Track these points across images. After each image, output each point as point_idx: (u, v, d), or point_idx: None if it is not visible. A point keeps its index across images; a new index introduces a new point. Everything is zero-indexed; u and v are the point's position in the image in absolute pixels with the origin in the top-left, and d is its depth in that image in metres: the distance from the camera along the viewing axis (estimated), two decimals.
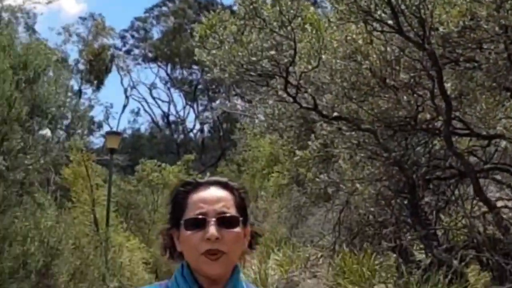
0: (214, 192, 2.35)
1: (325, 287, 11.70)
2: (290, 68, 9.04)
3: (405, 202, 9.79)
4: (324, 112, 9.38)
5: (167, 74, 54.42)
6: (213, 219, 2.26)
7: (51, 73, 10.62)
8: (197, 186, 2.39)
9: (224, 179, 2.43)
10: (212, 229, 2.24)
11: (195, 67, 48.49)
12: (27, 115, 9.81)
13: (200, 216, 2.27)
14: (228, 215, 2.28)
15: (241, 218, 2.32)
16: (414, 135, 9.48)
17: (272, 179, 20.36)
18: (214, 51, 9.17)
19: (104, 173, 26.45)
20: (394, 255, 10.79)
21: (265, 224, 21.29)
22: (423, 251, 10.75)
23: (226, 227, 2.27)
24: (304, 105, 9.45)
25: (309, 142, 10.62)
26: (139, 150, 44.65)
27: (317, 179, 10.33)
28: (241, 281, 2.38)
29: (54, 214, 13.57)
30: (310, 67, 9.09)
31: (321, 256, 12.96)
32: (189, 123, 54.73)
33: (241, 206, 2.36)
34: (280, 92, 9.50)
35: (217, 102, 50.25)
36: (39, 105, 10.22)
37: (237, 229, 2.30)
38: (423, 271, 9.04)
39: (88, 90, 46.99)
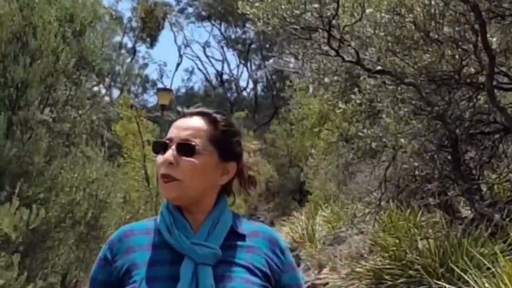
0: (189, 121, 2.37)
1: (371, 243, 11.75)
2: (333, 22, 8.97)
3: (448, 157, 9.75)
4: (368, 66, 9.33)
5: (221, 33, 54.52)
6: (174, 144, 2.31)
7: (98, 27, 10.71)
8: (183, 115, 2.42)
9: (209, 110, 2.43)
10: (169, 153, 2.29)
11: (248, 26, 48.40)
12: (73, 67, 9.94)
13: (164, 140, 2.34)
14: (187, 142, 2.31)
15: (214, 150, 2.33)
16: (458, 90, 9.38)
17: (322, 137, 20.36)
18: (257, 4, 9.14)
19: (156, 130, 26.73)
20: (440, 211, 10.78)
21: (315, 181, 21.40)
22: (468, 208, 10.71)
23: (183, 155, 2.29)
24: (347, 58, 9.40)
25: (353, 96, 10.61)
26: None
27: (360, 133, 10.31)
28: (228, 211, 2.39)
29: (103, 168, 13.79)
30: (353, 20, 9.02)
31: (368, 212, 12.99)
32: (243, 82, 54.94)
33: (219, 139, 2.35)
34: (323, 46, 9.46)
35: (270, 61, 50.15)
36: (85, 58, 10.34)
37: (196, 159, 2.29)
38: (465, 225, 9.04)
39: (141, 48, 47.31)
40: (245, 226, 2.40)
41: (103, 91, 17.20)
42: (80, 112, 10.71)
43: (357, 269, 9.40)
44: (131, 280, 2.25)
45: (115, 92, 32.71)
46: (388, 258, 8.81)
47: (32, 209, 8.29)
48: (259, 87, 54.20)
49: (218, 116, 2.41)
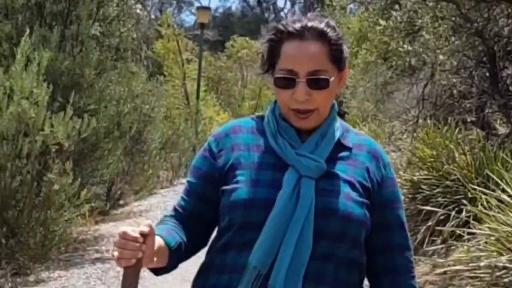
0: (307, 47, 2.23)
1: (409, 157, 11.94)
2: None
3: (486, 73, 9.89)
4: None
5: None
6: (303, 80, 2.20)
7: None
8: (289, 34, 2.26)
9: (321, 26, 2.27)
10: (301, 91, 2.20)
11: None
12: None
13: (289, 76, 2.21)
14: (318, 77, 2.21)
15: (335, 69, 2.26)
16: (497, 6, 9.46)
17: (360, 57, 20.44)
18: None
19: (195, 48, 26.93)
20: (477, 129, 10.95)
21: (353, 101, 21.56)
22: (504, 125, 10.89)
23: (316, 88, 2.21)
24: None
25: (393, 12, 10.72)
26: (230, 29, 44.90)
27: (400, 49, 10.45)
28: (336, 121, 2.34)
29: (146, 83, 14.13)
30: None
31: (405, 130, 13.20)
32: (280, 2, 54.61)
33: (336, 55, 2.27)
34: None
35: None
36: None
37: (328, 89, 2.23)
38: (501, 140, 9.24)
39: None
40: (351, 138, 2.35)
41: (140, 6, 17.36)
42: (125, 28, 10.98)
43: None
44: (234, 180, 2.25)
45: (154, 12, 32.79)
46: (426, 169, 9.05)
47: (83, 119, 8.63)
48: (296, 8, 53.93)
49: (331, 33, 2.27)
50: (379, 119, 17.27)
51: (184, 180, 19.15)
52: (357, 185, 2.24)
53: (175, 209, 2.40)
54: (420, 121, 12.46)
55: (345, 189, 2.22)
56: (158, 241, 2.14)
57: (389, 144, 14.05)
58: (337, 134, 2.31)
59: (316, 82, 2.20)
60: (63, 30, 9.52)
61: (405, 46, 10.23)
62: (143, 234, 2.04)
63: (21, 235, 8.31)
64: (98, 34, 9.94)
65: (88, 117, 8.76)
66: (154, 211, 13.54)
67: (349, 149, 2.31)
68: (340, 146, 2.31)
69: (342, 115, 24.79)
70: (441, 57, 9.69)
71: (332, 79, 2.23)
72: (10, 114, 7.90)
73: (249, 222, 2.20)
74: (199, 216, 2.36)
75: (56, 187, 8.29)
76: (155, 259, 2.13)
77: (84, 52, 9.60)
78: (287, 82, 2.22)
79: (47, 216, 8.37)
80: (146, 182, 15.05)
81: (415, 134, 12.08)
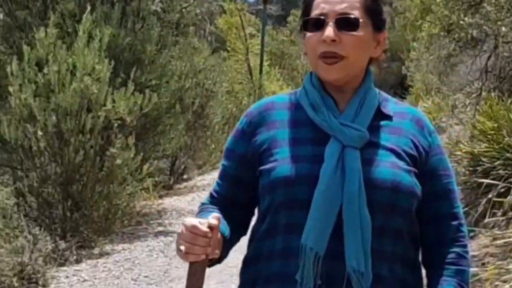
0: None
1: (471, 131, 11.85)
2: None
3: None
4: None
5: None
6: (332, 20, 2.09)
7: None
8: None
9: None
10: (329, 30, 2.08)
11: None
12: None
13: (319, 17, 2.11)
14: (348, 16, 2.10)
15: (369, 21, 2.15)
16: None
17: (424, 30, 20.25)
18: None
19: (257, 23, 26.97)
20: None
21: (417, 74, 21.41)
22: None
23: (346, 30, 2.10)
24: None
25: None
26: (293, 3, 44.77)
27: (461, 22, 10.35)
28: (374, 89, 2.23)
29: (209, 59, 14.25)
30: None
31: (469, 103, 13.08)
32: None
33: (372, 9, 2.17)
34: None
35: None
36: None
37: (359, 33, 2.11)
38: None
39: None
40: (392, 107, 2.23)
41: None
42: (186, 4, 11.08)
43: (456, 153, 9.60)
44: (271, 158, 2.13)
45: None
46: (487, 142, 8.96)
47: (145, 94, 8.77)
48: None
49: None
50: (442, 92, 17.12)
51: None
52: (403, 154, 2.13)
53: (211, 195, 2.29)
54: (484, 93, 12.33)
55: (391, 158, 2.11)
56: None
57: (452, 118, 13.95)
58: (376, 101, 2.20)
59: (345, 22, 2.10)
60: (124, 6, 9.66)
61: (467, 18, 10.12)
62: (210, 227, 1.95)
63: (85, 208, 8.52)
64: (159, 10, 10.05)
65: (150, 92, 8.90)
66: None
67: (390, 117, 2.20)
68: (380, 114, 2.19)
69: (406, 88, 24.63)
70: (503, 28, 9.55)
71: (362, 23, 2.11)
72: (73, 90, 8.09)
73: (293, 201, 2.08)
74: (234, 201, 2.25)
75: (118, 161, 8.47)
76: (217, 251, 2.05)
77: (145, 28, 9.73)
78: (315, 23, 2.12)
79: (110, 190, 8.57)
80: (209, 156, 15.20)
81: (478, 107, 11.96)
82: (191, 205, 11.53)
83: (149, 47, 9.69)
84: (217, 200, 2.26)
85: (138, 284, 7.34)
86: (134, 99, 8.54)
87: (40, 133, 8.18)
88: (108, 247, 8.63)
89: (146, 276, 7.57)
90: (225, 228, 2.13)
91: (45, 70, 8.14)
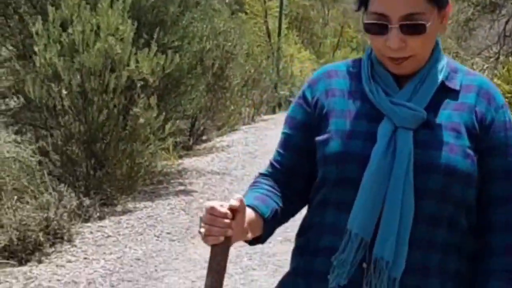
0: None
1: None
2: None
3: None
4: None
5: None
6: (396, 26, 1.93)
7: None
8: None
9: None
10: (394, 38, 1.93)
11: None
12: None
13: (380, 22, 1.95)
14: (413, 22, 1.92)
15: (434, 7, 1.95)
16: None
17: None
18: None
19: None
20: None
21: None
22: None
23: (411, 34, 1.93)
24: None
25: None
26: None
27: None
28: (442, 61, 2.04)
29: (229, 20, 14.31)
30: None
31: (486, 67, 13.14)
32: None
33: None
34: None
35: None
36: None
37: (425, 34, 1.93)
38: None
39: None
40: (460, 79, 2.05)
41: None
42: None
43: None
44: (327, 129, 2.05)
45: None
46: None
47: (167, 55, 8.88)
48: None
49: None
50: (460, 57, 17.13)
51: (265, 117, 19.39)
52: (464, 134, 1.98)
53: (271, 165, 2.19)
54: (501, 57, 12.40)
55: (449, 140, 1.96)
56: (250, 214, 1.98)
57: None
58: (440, 76, 2.02)
59: (411, 28, 1.92)
60: None
61: None
62: (232, 209, 1.89)
63: (109, 166, 8.68)
64: None
65: (172, 53, 9.01)
66: (235, 146, 13.87)
67: (455, 92, 2.03)
68: (444, 89, 2.02)
69: None
70: None
71: (429, 23, 1.92)
72: (97, 50, 8.22)
73: (344, 178, 2.00)
74: (297, 171, 2.15)
75: (141, 120, 8.61)
76: (248, 234, 1.99)
77: None
78: (378, 28, 1.95)
79: (133, 149, 8.72)
80: (228, 118, 15.35)
81: (495, 71, 12.03)
82: (210, 166, 11.70)
83: (172, 8, 9.78)
84: (278, 171, 2.17)
85: (160, 240, 7.51)
86: (157, 59, 8.65)
87: (64, 92, 8.32)
88: (130, 205, 8.80)
89: (168, 233, 7.74)
90: (266, 209, 2.05)
91: (70, 30, 8.25)
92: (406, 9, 1.91)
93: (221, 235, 1.87)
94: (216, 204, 1.88)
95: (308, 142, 2.10)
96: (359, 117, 2.03)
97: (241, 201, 1.89)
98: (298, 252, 2.13)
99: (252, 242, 2.07)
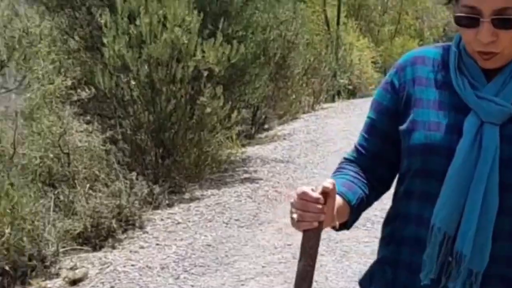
0: None
1: None
2: None
3: None
4: None
5: None
6: (487, 20, 1.89)
7: None
8: None
9: None
10: (485, 32, 1.90)
11: None
12: None
13: (471, 15, 1.91)
14: (506, 17, 1.88)
15: None
16: None
17: None
18: None
19: None
20: None
21: None
22: None
23: (504, 28, 1.89)
24: None
25: None
26: None
27: None
28: None
29: (292, 9, 14.38)
30: None
31: None
32: None
33: None
34: None
35: None
36: None
37: None
38: None
39: None
40: None
41: None
42: None
43: None
44: (411, 118, 2.05)
45: None
46: None
47: (232, 45, 8.99)
48: None
49: None
50: None
51: (325, 105, 19.38)
52: None
53: (356, 149, 2.20)
54: None
55: None
56: (338, 200, 1.98)
57: None
58: None
59: (503, 22, 1.88)
60: None
61: None
62: (324, 194, 1.88)
63: (177, 155, 8.85)
64: None
65: (237, 43, 9.11)
66: (297, 134, 13.91)
67: None
68: None
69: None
70: None
71: None
72: (164, 41, 8.37)
73: (429, 170, 2.00)
74: (382, 157, 2.17)
75: (208, 110, 8.75)
76: (336, 221, 1.98)
77: None
78: (469, 21, 1.92)
79: (200, 137, 8.88)
80: (289, 106, 15.41)
81: None
82: (274, 153, 11.78)
83: None
84: (363, 156, 2.19)
85: (229, 227, 7.63)
86: (223, 49, 8.77)
87: (133, 82, 8.50)
88: (197, 193, 8.94)
89: (237, 220, 7.86)
90: (353, 196, 2.07)
91: (137, 22, 8.41)
92: (499, 3, 1.88)
93: (314, 220, 1.87)
94: (307, 189, 1.87)
95: (393, 128, 2.10)
96: (445, 109, 2.01)
97: (333, 184, 1.90)
98: (385, 242, 2.16)
99: (339, 228, 2.05)
